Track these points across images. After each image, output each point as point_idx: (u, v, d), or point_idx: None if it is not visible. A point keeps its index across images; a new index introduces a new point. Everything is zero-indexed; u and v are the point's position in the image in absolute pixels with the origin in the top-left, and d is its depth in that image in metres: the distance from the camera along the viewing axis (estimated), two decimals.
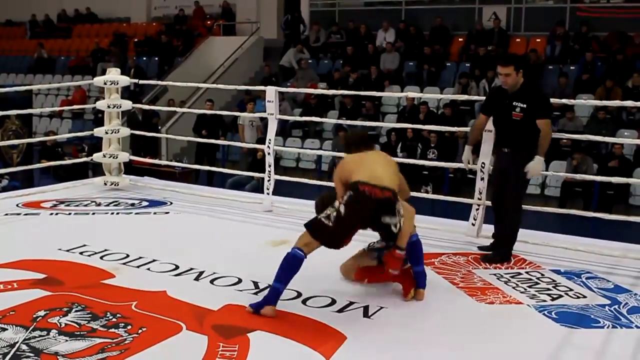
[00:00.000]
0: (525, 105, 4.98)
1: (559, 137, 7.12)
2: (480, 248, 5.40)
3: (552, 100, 5.38)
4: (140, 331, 3.68)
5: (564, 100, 6.53)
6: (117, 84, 7.47)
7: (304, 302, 4.21)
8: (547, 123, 5.04)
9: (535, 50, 14.23)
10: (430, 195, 8.02)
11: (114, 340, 3.56)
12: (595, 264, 5.11)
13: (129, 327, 3.73)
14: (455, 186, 10.62)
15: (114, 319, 3.82)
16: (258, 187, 8.27)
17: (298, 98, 14.97)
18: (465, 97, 8.45)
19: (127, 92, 12.80)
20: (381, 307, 4.08)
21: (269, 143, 6.73)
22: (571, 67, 13.73)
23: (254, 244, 5.51)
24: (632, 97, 11.17)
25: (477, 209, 5.77)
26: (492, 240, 5.37)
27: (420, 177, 11.36)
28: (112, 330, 3.69)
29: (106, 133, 7.54)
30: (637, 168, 10.77)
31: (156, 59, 18.60)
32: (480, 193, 5.77)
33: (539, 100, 5.07)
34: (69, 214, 6.39)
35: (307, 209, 6.52)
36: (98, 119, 11.80)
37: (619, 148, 10.75)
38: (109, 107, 7.52)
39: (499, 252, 5.15)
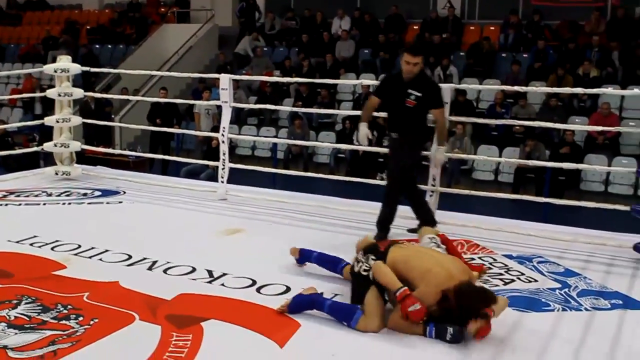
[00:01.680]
0: (420, 94, 5.11)
1: (512, 124, 7.20)
2: (409, 231, 5.46)
3: (505, 87, 5.48)
4: (92, 322, 3.63)
5: (517, 88, 6.60)
6: (68, 71, 7.35)
7: (258, 290, 4.19)
8: (442, 112, 5.31)
9: (489, 38, 14.37)
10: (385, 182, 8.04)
11: (65, 332, 3.50)
12: (546, 248, 5.18)
13: (81, 318, 3.68)
14: None
15: (65, 311, 3.77)
16: (213, 176, 8.20)
17: (253, 86, 14.90)
18: None
19: (79, 81, 12.59)
20: (335, 295, 4.08)
21: (224, 131, 6.69)
22: (524, 55, 13.89)
23: (208, 233, 5.48)
24: (583, 84, 11.33)
25: (432, 195, 5.82)
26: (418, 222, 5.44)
27: (375, 165, 11.41)
28: (63, 322, 3.63)
29: (57, 122, 7.41)
30: (588, 154, 10.96)
31: (109, 46, 18.32)
32: (435, 179, 5.81)
33: (433, 90, 5.25)
34: (19, 204, 6.27)
35: (262, 196, 6.53)
36: (47, 108, 11.60)
37: (570, 135, 10.92)
38: (59, 95, 7.39)
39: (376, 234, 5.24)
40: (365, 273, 3.79)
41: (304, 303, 3.83)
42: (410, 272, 3.67)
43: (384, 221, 5.35)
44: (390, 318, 3.66)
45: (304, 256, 4.54)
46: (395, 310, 3.64)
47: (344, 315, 3.70)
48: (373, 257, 3.83)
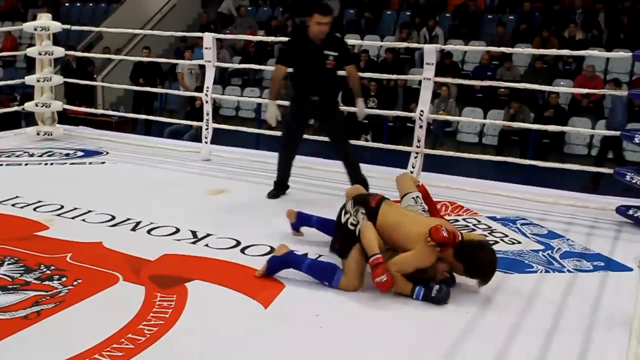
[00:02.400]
0: (337, 54, 5.11)
1: (497, 85, 7.18)
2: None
3: (490, 48, 5.46)
4: (75, 283, 3.62)
5: (502, 49, 6.57)
6: (49, 29, 7.23)
7: (242, 250, 4.19)
8: (355, 67, 5.35)
9: (475, 0, 14.26)
10: (370, 144, 8.04)
11: (49, 293, 3.49)
12: (530, 210, 5.22)
13: (64, 279, 3.66)
14: (395, 135, 10.66)
15: (48, 272, 3.75)
16: (197, 136, 8.16)
17: (237, 46, 14.75)
18: (405, 44, 8.44)
19: (61, 40, 12.42)
20: (320, 255, 4.09)
21: (207, 91, 6.63)
22: (509, 17, 13.82)
23: (192, 194, 5.47)
24: (568, 47, 11.33)
25: (416, 157, 5.82)
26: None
27: (360, 126, 11.39)
28: (47, 282, 3.62)
29: (38, 81, 7.31)
30: (572, 117, 10.98)
31: (90, 4, 18.04)
32: (419, 141, 5.81)
33: (345, 46, 5.31)
34: (1, 165, 6.21)
35: (245, 157, 6.51)
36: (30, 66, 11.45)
37: (555, 97, 10.93)
38: (40, 54, 7.28)
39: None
40: (352, 228, 3.77)
41: (277, 265, 3.79)
42: (405, 238, 3.66)
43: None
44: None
45: (301, 219, 4.42)
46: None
47: (324, 274, 3.70)
48: (363, 212, 3.80)
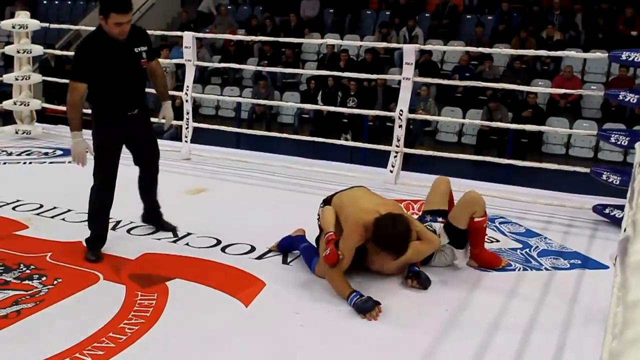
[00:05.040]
0: (146, 48, 4.15)
1: (475, 85, 7.23)
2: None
3: (469, 48, 5.41)
4: (55, 282, 3.62)
5: (481, 49, 6.62)
6: (27, 27, 7.19)
7: (223, 249, 4.21)
8: (158, 62, 4.43)
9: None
10: (350, 143, 8.06)
11: (29, 292, 3.49)
12: (508, 209, 5.26)
13: (44, 278, 3.66)
14: (374, 134, 10.70)
15: (28, 271, 3.74)
16: (176, 135, 8.15)
17: (217, 45, 14.73)
18: (384, 44, 8.47)
19: (40, 38, 12.33)
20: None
21: (187, 90, 6.63)
22: (488, 17, 13.91)
23: (172, 193, 5.44)
24: (546, 47, 11.42)
25: (395, 156, 5.85)
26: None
27: (340, 125, 11.43)
28: (26, 282, 3.61)
29: (16, 79, 7.27)
30: (550, 117, 11.08)
31: (68, 2, 17.93)
32: (399, 140, 5.84)
33: (148, 37, 4.26)
34: None
35: (225, 156, 6.51)
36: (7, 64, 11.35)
37: (533, 97, 11.02)
38: (18, 52, 7.24)
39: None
40: (318, 222, 3.98)
41: (287, 244, 4.15)
42: (344, 222, 3.74)
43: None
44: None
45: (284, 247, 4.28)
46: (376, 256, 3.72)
47: (308, 259, 3.92)
48: (322, 205, 4.02)
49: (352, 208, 3.74)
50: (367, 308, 3.41)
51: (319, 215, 4.02)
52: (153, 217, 4.57)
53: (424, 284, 3.72)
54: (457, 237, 3.99)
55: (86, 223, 4.24)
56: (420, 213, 4.41)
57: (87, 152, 4.14)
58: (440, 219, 4.08)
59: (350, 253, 3.62)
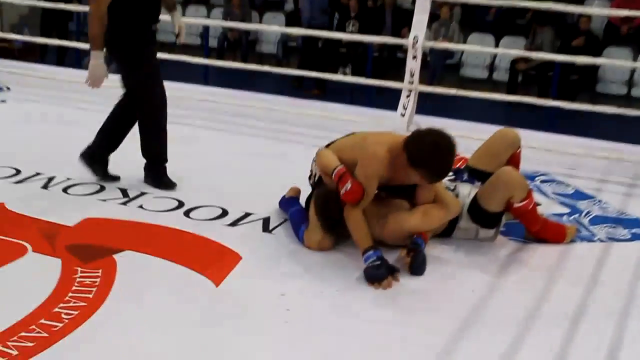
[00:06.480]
0: None
1: (512, 5, 7.15)
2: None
3: None
4: None
5: None
6: None
7: (186, 213, 4.21)
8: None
9: None
10: (350, 79, 8.04)
11: None
12: (552, 164, 5.26)
13: None
14: (381, 68, 10.65)
15: None
16: None
17: None
18: None
19: None
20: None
21: None
22: None
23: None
24: None
25: (408, 96, 5.84)
26: None
27: (337, 56, 11.35)
28: None
29: None
30: (608, 47, 11.03)
31: None
32: (412, 76, 5.82)
33: None
34: None
35: (190, 94, 6.48)
36: None
37: (586, 21, 10.94)
38: None
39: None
40: (310, 181, 4.05)
41: (283, 205, 4.26)
42: (357, 152, 3.75)
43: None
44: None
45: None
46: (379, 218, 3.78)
47: (295, 226, 3.98)
48: (315, 159, 4.02)
49: (366, 140, 3.76)
50: (377, 275, 3.47)
51: (311, 171, 4.03)
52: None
53: (415, 269, 3.67)
54: (484, 218, 3.99)
55: (20, 177, 4.28)
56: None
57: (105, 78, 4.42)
58: (478, 184, 4.07)
59: (372, 183, 3.66)
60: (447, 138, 3.56)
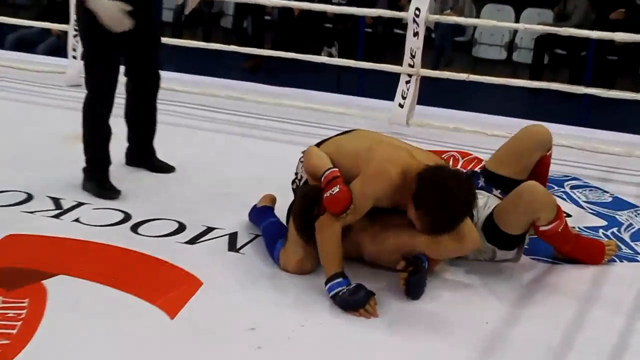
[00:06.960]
0: None
1: None
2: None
3: None
4: None
5: None
6: None
7: (134, 228, 4.21)
8: None
9: None
10: (337, 61, 8.04)
11: None
12: (585, 165, 5.28)
13: None
14: (375, 47, 10.69)
15: None
16: (58, 47, 8.09)
17: None
18: None
19: None
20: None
21: None
22: None
23: (51, 139, 5.43)
24: None
25: (408, 82, 5.84)
26: None
27: (322, 33, 11.36)
28: None
29: None
30: None
31: None
32: (413, 57, 5.82)
33: None
34: None
35: None
36: None
37: None
38: None
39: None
40: (293, 185, 4.07)
41: (255, 217, 4.29)
42: (362, 161, 3.75)
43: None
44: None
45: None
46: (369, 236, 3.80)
47: (269, 243, 3.99)
48: (301, 159, 4.04)
49: (374, 153, 3.74)
50: (356, 302, 3.48)
51: (296, 174, 4.04)
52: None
53: (412, 291, 3.67)
54: (502, 240, 3.96)
55: None
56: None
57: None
58: (497, 193, 4.06)
59: (366, 203, 3.64)
60: (467, 192, 3.55)
